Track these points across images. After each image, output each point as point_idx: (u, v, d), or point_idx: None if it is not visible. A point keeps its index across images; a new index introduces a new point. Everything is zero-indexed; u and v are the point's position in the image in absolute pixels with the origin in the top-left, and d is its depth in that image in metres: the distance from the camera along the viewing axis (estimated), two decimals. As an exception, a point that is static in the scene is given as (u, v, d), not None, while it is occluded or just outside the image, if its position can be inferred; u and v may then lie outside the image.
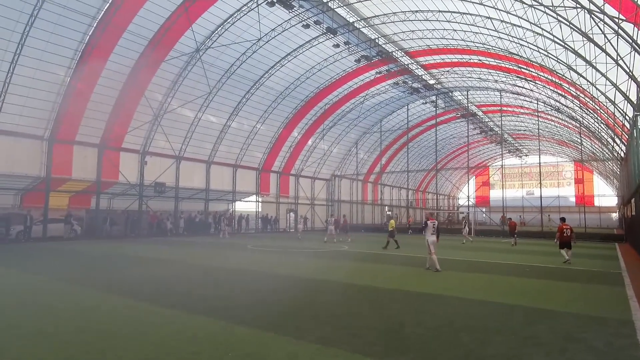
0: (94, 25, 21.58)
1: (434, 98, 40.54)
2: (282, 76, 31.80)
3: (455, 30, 27.12)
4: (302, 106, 36.00)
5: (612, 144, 31.01)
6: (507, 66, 30.99)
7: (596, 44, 17.33)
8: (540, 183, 37.62)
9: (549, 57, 23.87)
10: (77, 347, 5.10)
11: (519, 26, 22.48)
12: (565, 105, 33.23)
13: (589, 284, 10.57)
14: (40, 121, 22.97)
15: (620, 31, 15.03)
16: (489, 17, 23.26)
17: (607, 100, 21.49)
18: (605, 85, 19.95)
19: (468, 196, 42.23)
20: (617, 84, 18.49)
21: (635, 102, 17.26)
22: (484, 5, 21.43)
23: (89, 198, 26.85)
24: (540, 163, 37.79)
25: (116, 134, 26.46)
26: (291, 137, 38.43)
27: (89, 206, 26.99)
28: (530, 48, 24.65)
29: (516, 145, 58.24)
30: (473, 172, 65.18)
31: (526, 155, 60.46)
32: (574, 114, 33.98)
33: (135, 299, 7.77)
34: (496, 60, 30.54)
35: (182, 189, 30.91)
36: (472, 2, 21.82)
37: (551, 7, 17.71)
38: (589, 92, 24.09)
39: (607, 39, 16.12)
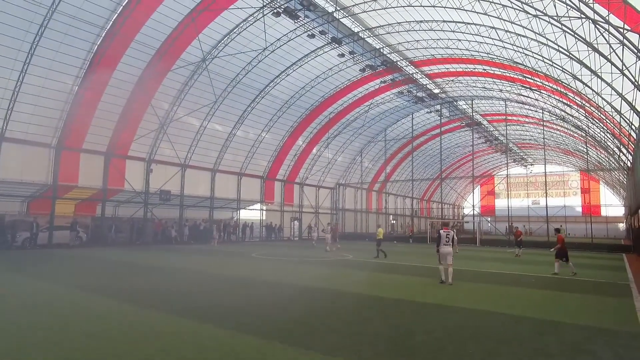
0: (102, 36, 21.88)
1: (438, 107, 40.62)
2: (287, 85, 32.02)
3: (460, 40, 27.26)
4: (306, 115, 36.17)
5: (618, 153, 30.86)
6: (512, 75, 31.04)
7: (601, 54, 17.35)
8: (546, 193, 37.40)
9: (554, 67, 23.90)
10: (82, 351, 5.11)
11: (523, 36, 22.57)
12: (570, 115, 33.16)
13: (596, 295, 10.46)
14: (48, 129, 23.22)
15: (625, 41, 15.04)
16: (493, 27, 23.39)
17: (613, 110, 21.44)
18: (611, 94, 19.92)
19: (473, 205, 42.04)
20: (623, 94, 18.47)
21: (641, 112, 17.22)
22: (489, 15, 21.55)
23: (94, 205, 27.00)
24: (545, 172, 37.62)
25: (122, 142, 26.68)
26: (296, 146, 38.56)
27: (94, 213, 27.13)
28: (535, 58, 24.72)
29: (521, 154, 58.07)
30: (478, 181, 64.95)
31: (531, 165, 60.24)
32: (579, 123, 33.89)
33: (141, 306, 7.77)
34: (501, 70, 30.61)
35: (187, 196, 31.02)
36: (477, 13, 21.95)
37: (556, 18, 17.78)
38: (595, 102, 24.06)
39: (612, 49, 16.15)
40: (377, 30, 27.70)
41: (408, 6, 24.13)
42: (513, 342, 6.02)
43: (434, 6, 23.30)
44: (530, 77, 29.07)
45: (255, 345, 5.57)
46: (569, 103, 29.98)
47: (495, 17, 21.54)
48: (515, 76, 30.73)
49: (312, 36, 25.95)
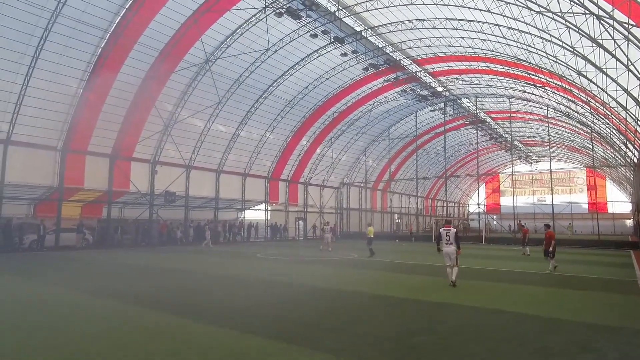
0: (106, 38, 22.01)
1: (442, 105, 40.48)
2: (290, 85, 32.04)
3: (463, 38, 27.15)
4: (310, 114, 36.18)
5: (624, 149, 30.61)
6: (515, 72, 30.87)
7: (606, 50, 17.22)
8: (552, 189, 37.17)
9: (559, 63, 23.75)
10: (85, 352, 5.16)
11: (527, 33, 22.43)
12: (575, 111, 32.94)
13: (603, 292, 10.39)
14: (53, 132, 23.39)
15: (630, 36, 14.92)
16: (496, 24, 23.26)
17: (619, 106, 21.27)
18: (616, 90, 19.77)
19: (478, 203, 41.88)
20: (629, 89, 18.32)
21: (647, 108, 17.08)
22: (492, 12, 21.44)
23: (100, 207, 27.18)
24: (551, 169, 37.39)
25: (127, 144, 26.82)
26: (300, 146, 38.58)
27: (100, 215, 27.32)
28: (539, 54, 24.56)
29: (526, 151, 57.74)
30: (483, 179, 64.67)
31: (537, 162, 59.88)
32: (584, 119, 33.65)
33: (144, 306, 7.83)
34: (505, 67, 30.46)
35: (192, 197, 31.13)
36: (480, 10, 21.85)
37: (559, 14, 17.66)
38: (600, 98, 23.88)
39: (617, 44, 16.02)
40: (380, 29, 27.65)
41: (410, 4, 24.08)
42: (517, 341, 6.00)
43: (436, 4, 23.23)
44: (534, 74, 28.90)
45: (260, 346, 5.59)
46: (574, 99, 29.78)
47: (499, 14, 21.43)
48: (520, 73, 30.56)
49: (315, 36, 25.96)
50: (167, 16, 22.59)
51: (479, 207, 40.95)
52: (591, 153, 40.03)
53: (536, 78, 29.83)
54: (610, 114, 25.40)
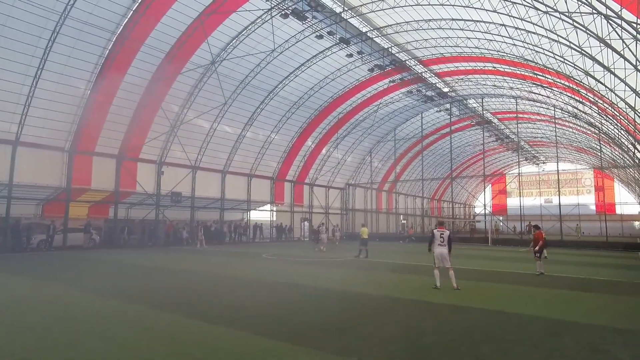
0: (113, 40, 22.18)
1: (448, 106, 40.33)
2: (296, 86, 32.09)
3: (469, 38, 27.05)
4: (315, 115, 36.20)
5: (633, 150, 30.32)
6: (522, 73, 30.70)
7: (614, 50, 17.08)
8: (559, 191, 36.88)
9: (566, 64, 23.58)
10: (94, 353, 5.18)
11: (534, 33, 22.30)
12: (583, 112, 32.68)
13: (612, 295, 10.28)
14: (61, 133, 23.58)
15: (639, 36, 14.78)
16: (503, 25, 23.15)
17: (627, 106, 21.07)
18: (625, 90, 19.59)
19: (484, 205, 41.66)
20: (637, 90, 18.15)
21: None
22: (498, 12, 21.34)
23: (107, 208, 27.34)
24: (558, 170, 37.11)
25: (134, 145, 26.98)
26: (305, 146, 38.61)
27: (107, 216, 27.48)
28: (546, 55, 24.41)
29: (533, 152, 57.38)
30: (489, 180, 64.33)
31: (544, 163, 59.46)
32: (592, 120, 33.38)
33: (148, 306, 7.86)
34: (511, 67, 30.30)
35: (197, 198, 31.25)
36: (486, 10, 21.75)
37: (567, 14, 17.55)
38: (608, 98, 23.67)
39: (626, 44, 15.88)
40: (385, 30, 27.61)
41: (416, 5, 24.03)
42: (528, 342, 5.94)
43: (442, 5, 23.17)
44: (541, 74, 28.71)
45: (267, 347, 5.59)
46: (581, 100, 29.55)
47: (505, 15, 21.32)
48: (526, 73, 30.39)
49: (320, 37, 25.96)
50: (174, 18, 22.71)
51: (484, 209, 40.72)
52: (599, 154, 39.69)
53: (543, 78, 29.65)
54: (618, 114, 25.17)
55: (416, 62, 32.11)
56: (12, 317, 7.11)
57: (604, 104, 25.98)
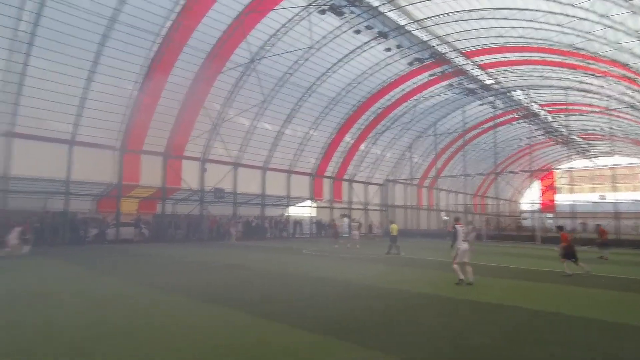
0: (158, 42, 23.10)
1: (491, 99, 38.86)
2: (334, 82, 32.07)
3: (514, 28, 25.91)
4: (354, 111, 36.03)
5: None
6: (572, 62, 29.05)
7: (678, 33, 15.80)
8: (614, 186, 34.69)
9: (621, 51, 22.08)
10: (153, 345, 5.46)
11: (585, 19, 21.03)
12: (641, 102, 30.54)
13: (675, 297, 9.56)
14: (112, 132, 24.92)
15: None
16: (551, 12, 21.99)
17: (693, 95, 19.46)
18: (690, 77, 18.09)
19: (532, 201, 39.91)
20: None
21: None
22: (546, -1, 20.32)
23: (155, 203, 28.62)
24: (613, 165, 34.89)
25: (178, 143, 28.05)
26: (344, 142, 38.55)
27: (155, 211, 28.76)
28: (599, 42, 22.96)
29: (585, 146, 54.24)
30: (537, 176, 61.50)
31: (596, 157, 56.08)
32: (652, 110, 31.13)
33: (192, 297, 8.17)
34: (560, 57, 28.74)
35: (239, 194, 32.02)
36: (533, -3, 20.77)
37: (623, -3, 16.43)
38: (670, 86, 21.97)
39: (691, 27, 14.65)
40: (425, 22, 26.95)
41: (458, -5, 23.31)
42: (581, 346, 5.65)
43: (485, -7, 22.34)
44: (593, 62, 27.06)
45: (310, 341, 5.66)
46: (639, 89, 27.59)
47: (553, 1, 20.25)
48: (577, 62, 28.72)
49: (358, 32, 25.74)
50: (214, 18, 23.33)
51: (532, 205, 39.02)
52: (659, 146, 36.96)
53: (596, 67, 27.92)
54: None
55: (457, 54, 31.16)
56: (82, 307, 7.63)
57: (666, 93, 24.14)
